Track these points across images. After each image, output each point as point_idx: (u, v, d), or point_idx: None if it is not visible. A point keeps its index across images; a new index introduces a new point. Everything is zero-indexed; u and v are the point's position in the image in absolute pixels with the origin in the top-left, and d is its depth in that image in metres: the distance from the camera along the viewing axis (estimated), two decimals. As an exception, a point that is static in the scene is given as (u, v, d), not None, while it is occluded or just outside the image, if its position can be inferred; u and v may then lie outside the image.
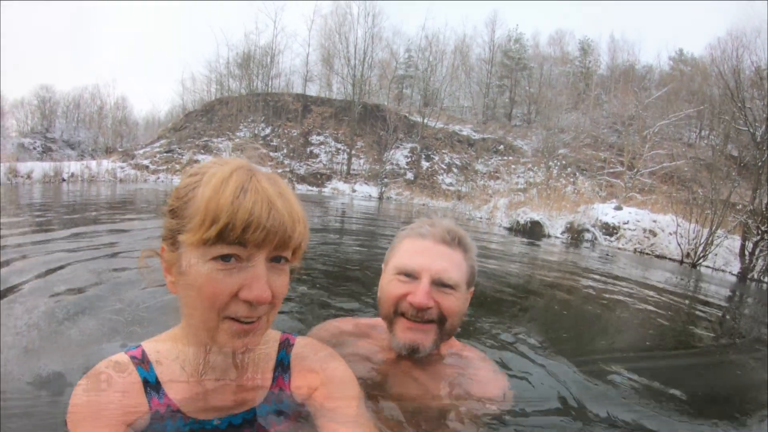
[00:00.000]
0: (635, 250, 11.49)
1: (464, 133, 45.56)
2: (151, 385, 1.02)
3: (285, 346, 1.19)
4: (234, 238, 0.86)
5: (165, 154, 39.41)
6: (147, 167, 36.01)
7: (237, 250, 0.88)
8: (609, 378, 2.00)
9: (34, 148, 53.59)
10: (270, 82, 49.26)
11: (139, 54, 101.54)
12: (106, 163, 31.32)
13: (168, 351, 1.06)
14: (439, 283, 1.43)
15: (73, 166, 26.47)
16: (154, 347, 1.08)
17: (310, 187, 36.82)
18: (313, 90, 51.16)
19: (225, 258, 0.88)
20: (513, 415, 1.46)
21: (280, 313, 2.25)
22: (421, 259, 1.45)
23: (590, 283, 5.13)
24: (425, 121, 43.82)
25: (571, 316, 3.43)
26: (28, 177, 22.28)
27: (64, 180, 23.59)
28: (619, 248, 11.59)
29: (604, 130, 38.94)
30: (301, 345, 1.20)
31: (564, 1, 70.33)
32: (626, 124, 34.85)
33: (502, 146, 42.72)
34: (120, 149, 47.19)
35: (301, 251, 1.01)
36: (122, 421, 0.96)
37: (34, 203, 10.12)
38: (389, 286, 1.49)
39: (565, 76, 52.38)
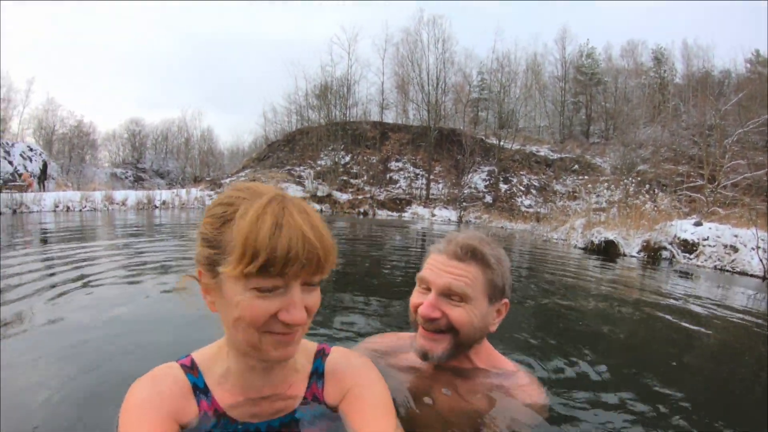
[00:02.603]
0: (715, 267, 10.94)
1: (542, 153, 46.69)
2: (200, 390, 1.17)
3: (321, 356, 1.32)
4: (274, 273, 0.97)
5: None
6: (234, 195, 39.76)
7: (275, 282, 0.99)
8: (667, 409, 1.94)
9: (126, 178, 60.42)
10: (347, 111, 52.44)
11: (221, 87, 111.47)
12: (195, 192, 34.26)
13: (215, 359, 1.21)
14: (447, 295, 1.58)
15: (164, 194, 29.39)
16: (202, 355, 1.23)
17: (390, 213, 38.69)
18: (389, 117, 54.19)
19: (263, 289, 1.00)
20: (550, 425, 1.55)
21: (352, 324, 3.16)
22: (432, 272, 1.61)
23: (662, 305, 4.97)
24: (502, 143, 45.69)
25: (635, 340, 3.43)
26: (123, 204, 25.04)
27: (156, 207, 26.15)
28: (698, 266, 11.10)
29: (685, 142, 38.40)
30: (336, 355, 1.33)
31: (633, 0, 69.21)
32: (704, 135, 34.33)
33: (577, 165, 43.54)
34: (207, 178, 51.39)
35: (331, 266, 1.08)
36: (172, 419, 1.09)
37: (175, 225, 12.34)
38: (413, 296, 1.69)
39: (640, 88, 52.28)
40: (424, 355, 1.63)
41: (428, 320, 1.59)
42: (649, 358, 2.95)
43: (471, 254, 1.61)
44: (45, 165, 39.80)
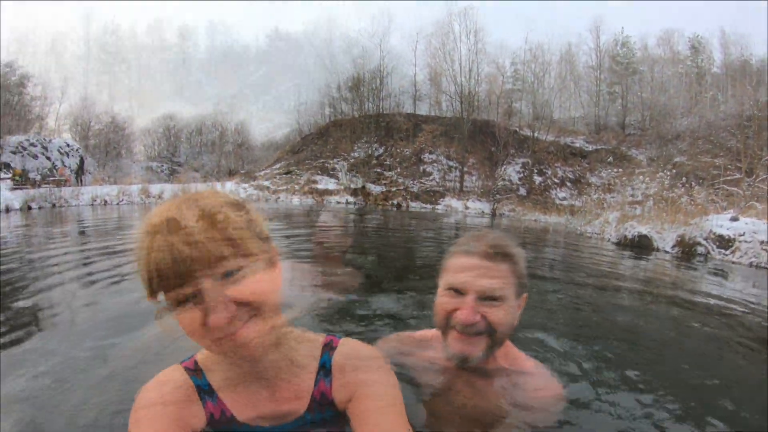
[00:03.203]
0: (751, 264, 10.55)
1: (577, 144, 46.83)
2: (205, 392, 1.16)
3: (328, 349, 1.26)
4: (162, 290, 0.97)
5: (284, 176, 44.21)
6: (268, 188, 40.76)
7: (179, 293, 0.97)
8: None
9: (162, 171, 62.29)
10: (380, 104, 53.28)
11: (255, 80, 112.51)
12: (230, 185, 35.87)
13: (215, 360, 1.19)
14: (484, 298, 1.56)
15: (199, 187, 28.87)
16: (205, 357, 1.21)
17: (423, 205, 39.48)
18: (422, 109, 54.72)
19: (177, 303, 0.98)
20: (568, 421, 1.60)
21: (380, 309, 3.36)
22: (466, 276, 1.58)
23: (695, 302, 5.01)
24: (536, 134, 45.89)
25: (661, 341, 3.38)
26: (159, 197, 26.04)
27: (192, 200, 27.78)
28: (733, 262, 10.81)
29: (723, 134, 37.32)
30: (345, 348, 1.28)
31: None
32: (742, 126, 33.34)
33: (611, 158, 43.41)
34: (242, 171, 53.31)
35: (250, 249, 1.02)
36: (178, 424, 1.09)
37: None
38: (441, 300, 1.65)
39: (677, 77, 51.55)
40: (464, 360, 1.61)
41: (468, 325, 1.57)
42: (679, 356, 3.00)
43: (503, 255, 1.61)
44: (82, 160, 41.66)
